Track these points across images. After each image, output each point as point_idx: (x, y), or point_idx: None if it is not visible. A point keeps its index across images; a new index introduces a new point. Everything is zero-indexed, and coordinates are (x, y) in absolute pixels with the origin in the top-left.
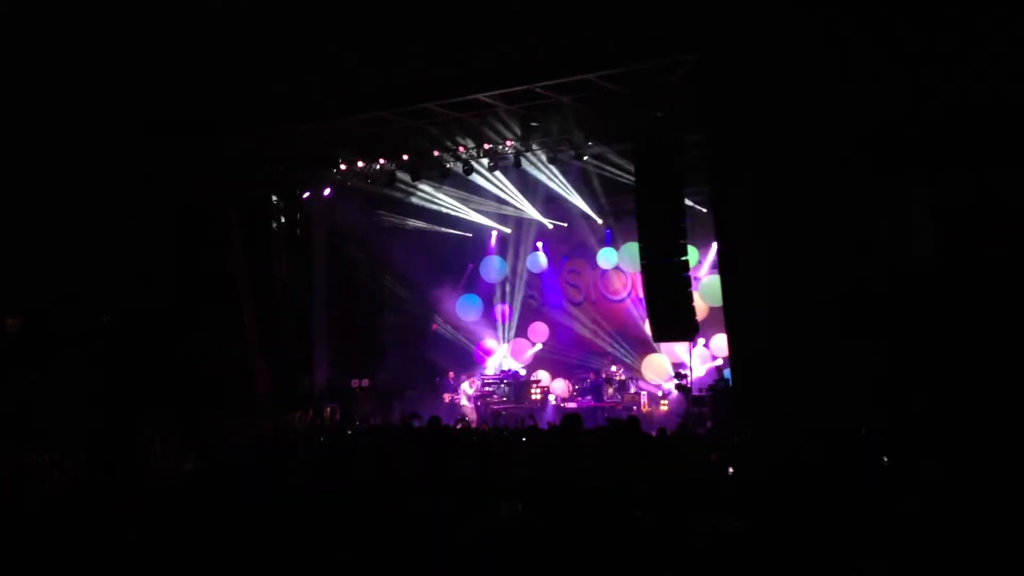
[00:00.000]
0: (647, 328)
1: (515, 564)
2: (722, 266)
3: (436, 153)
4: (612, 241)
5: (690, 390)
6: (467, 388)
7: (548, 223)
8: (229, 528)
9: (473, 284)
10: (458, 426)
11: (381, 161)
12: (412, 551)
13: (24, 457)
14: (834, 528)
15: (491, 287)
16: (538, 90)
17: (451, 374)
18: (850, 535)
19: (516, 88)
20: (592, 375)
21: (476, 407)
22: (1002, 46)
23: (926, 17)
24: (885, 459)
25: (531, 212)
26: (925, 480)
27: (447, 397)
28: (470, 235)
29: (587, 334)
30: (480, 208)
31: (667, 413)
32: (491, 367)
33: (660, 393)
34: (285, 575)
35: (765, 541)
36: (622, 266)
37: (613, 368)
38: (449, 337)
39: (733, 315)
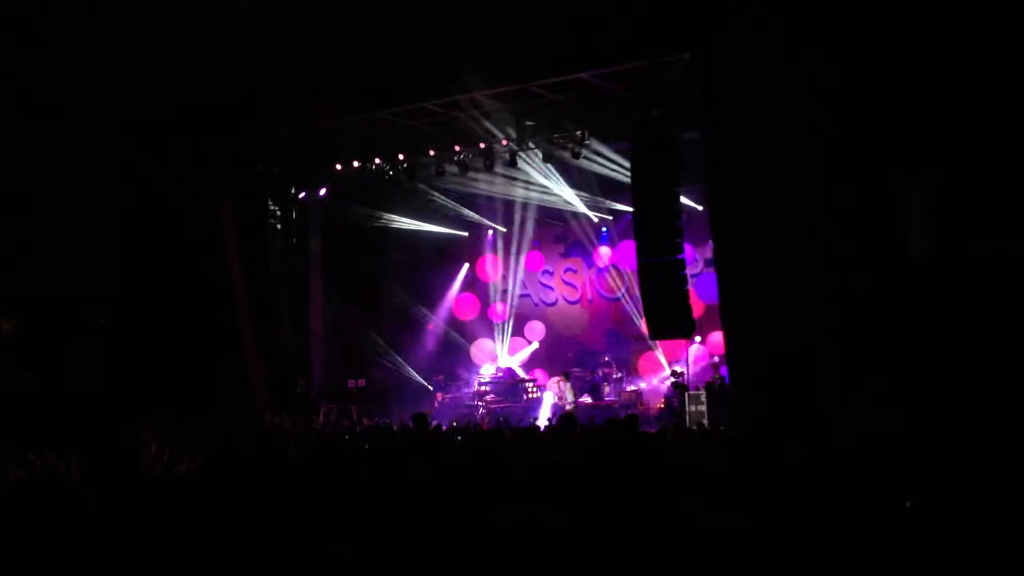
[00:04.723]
0: (643, 326)
1: (519, 562)
2: (718, 264)
3: (432, 152)
4: (608, 239)
5: (687, 388)
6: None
7: (545, 221)
8: (223, 529)
9: (470, 283)
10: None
11: (377, 161)
12: (415, 549)
13: (22, 458)
14: (833, 527)
15: (487, 286)
16: (533, 89)
17: (441, 377)
18: (851, 534)
19: (511, 87)
20: (589, 374)
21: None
22: (993, 43)
23: (920, 13)
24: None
25: (528, 211)
26: (925, 480)
27: (440, 396)
28: (466, 234)
29: (583, 333)
30: (477, 207)
31: (663, 411)
32: (487, 366)
33: (657, 391)
34: (280, 574)
35: (762, 538)
36: None
37: (610, 367)
38: (446, 337)
39: (729, 312)
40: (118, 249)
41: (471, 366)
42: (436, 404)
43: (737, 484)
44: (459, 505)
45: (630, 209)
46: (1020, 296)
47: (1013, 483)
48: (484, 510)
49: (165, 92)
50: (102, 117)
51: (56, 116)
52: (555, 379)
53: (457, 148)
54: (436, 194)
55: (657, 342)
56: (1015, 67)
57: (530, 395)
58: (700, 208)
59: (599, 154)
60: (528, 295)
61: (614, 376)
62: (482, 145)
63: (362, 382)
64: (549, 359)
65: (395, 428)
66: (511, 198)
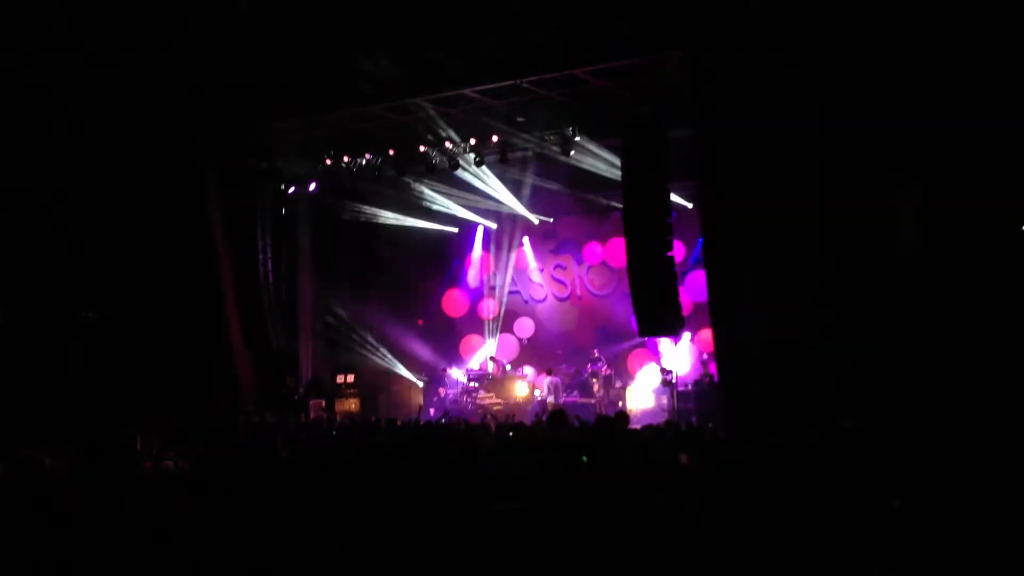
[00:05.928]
0: (633, 323)
1: (508, 559)
2: (707, 261)
3: (422, 148)
4: (598, 236)
5: (675, 385)
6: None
7: (534, 218)
8: (211, 525)
9: (460, 279)
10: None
11: (367, 156)
12: (406, 547)
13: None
14: (824, 524)
15: (477, 283)
16: (524, 85)
17: (445, 369)
18: (841, 532)
19: (502, 83)
20: (577, 371)
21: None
22: (986, 48)
23: (907, 20)
24: (868, 455)
25: (518, 208)
26: (912, 475)
27: (441, 391)
28: (456, 230)
29: (573, 330)
30: (466, 203)
31: (653, 408)
32: (476, 362)
33: (646, 388)
34: (270, 571)
35: (750, 536)
36: None
37: (599, 363)
38: (435, 333)
39: (718, 310)
40: (105, 244)
41: (460, 362)
42: (436, 399)
43: (722, 482)
44: (448, 503)
45: (620, 206)
46: (1011, 294)
47: (1007, 481)
48: (472, 507)
49: (159, 92)
50: (100, 118)
51: (49, 111)
52: (542, 375)
53: (447, 144)
54: (425, 190)
55: (646, 339)
56: (1005, 69)
57: (517, 392)
58: (690, 205)
59: (589, 151)
60: (518, 292)
61: (603, 373)
62: (473, 140)
63: (351, 377)
64: (538, 356)
65: (382, 424)
66: (501, 194)
